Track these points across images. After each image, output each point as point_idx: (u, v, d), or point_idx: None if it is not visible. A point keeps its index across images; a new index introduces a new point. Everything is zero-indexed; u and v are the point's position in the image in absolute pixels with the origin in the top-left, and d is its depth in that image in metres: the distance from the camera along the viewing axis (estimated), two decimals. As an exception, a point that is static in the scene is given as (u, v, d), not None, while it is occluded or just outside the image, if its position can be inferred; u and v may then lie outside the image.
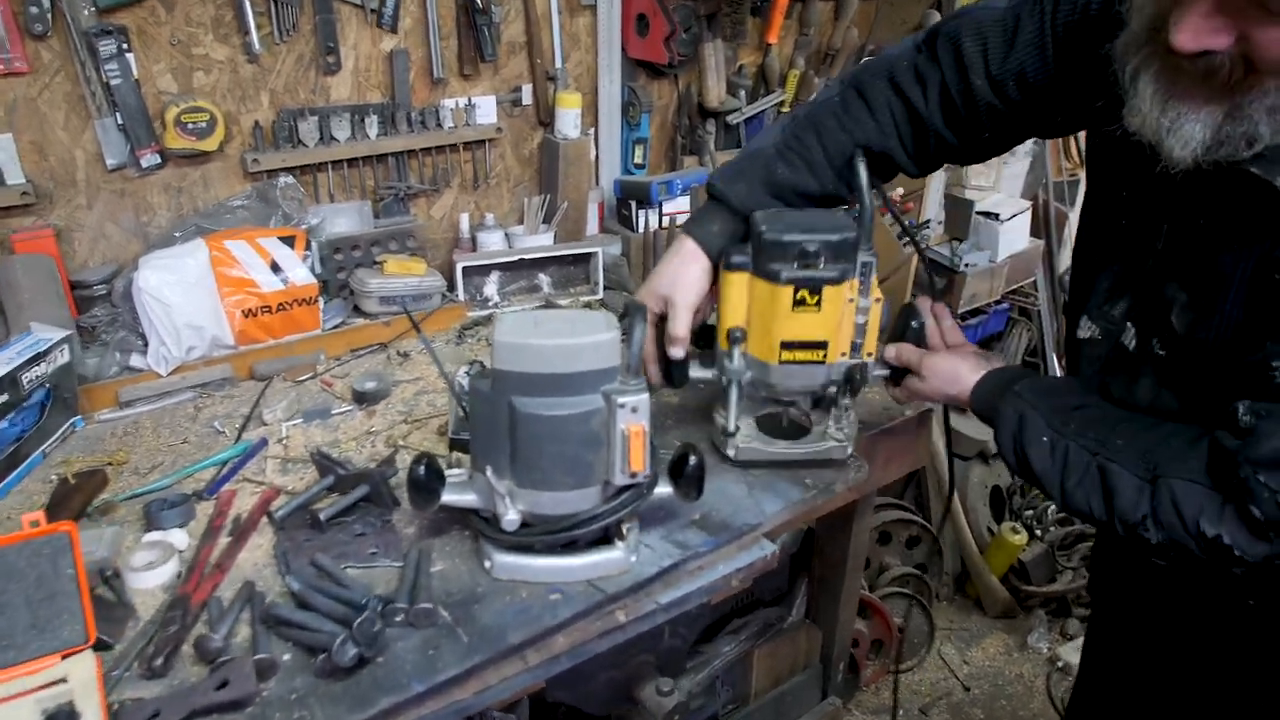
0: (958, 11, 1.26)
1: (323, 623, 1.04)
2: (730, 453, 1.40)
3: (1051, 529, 3.27)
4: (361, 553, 1.20)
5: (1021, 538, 3.10)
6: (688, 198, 2.23)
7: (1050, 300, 3.54)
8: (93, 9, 1.61)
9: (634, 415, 1.10)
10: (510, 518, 1.12)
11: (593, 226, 2.35)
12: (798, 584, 2.19)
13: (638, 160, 2.38)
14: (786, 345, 1.31)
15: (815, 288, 1.27)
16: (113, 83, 1.65)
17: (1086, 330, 1.18)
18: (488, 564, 1.17)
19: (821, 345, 1.32)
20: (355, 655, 0.98)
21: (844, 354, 1.34)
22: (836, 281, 1.27)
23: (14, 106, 1.61)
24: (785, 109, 2.58)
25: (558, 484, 1.12)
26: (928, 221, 2.78)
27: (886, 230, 2.75)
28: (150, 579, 1.13)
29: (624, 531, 1.19)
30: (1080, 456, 1.05)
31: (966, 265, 2.82)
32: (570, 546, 1.17)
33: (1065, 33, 1.12)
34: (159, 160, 1.75)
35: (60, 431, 1.48)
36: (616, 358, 1.12)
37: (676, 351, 1.32)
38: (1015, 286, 3.34)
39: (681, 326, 1.31)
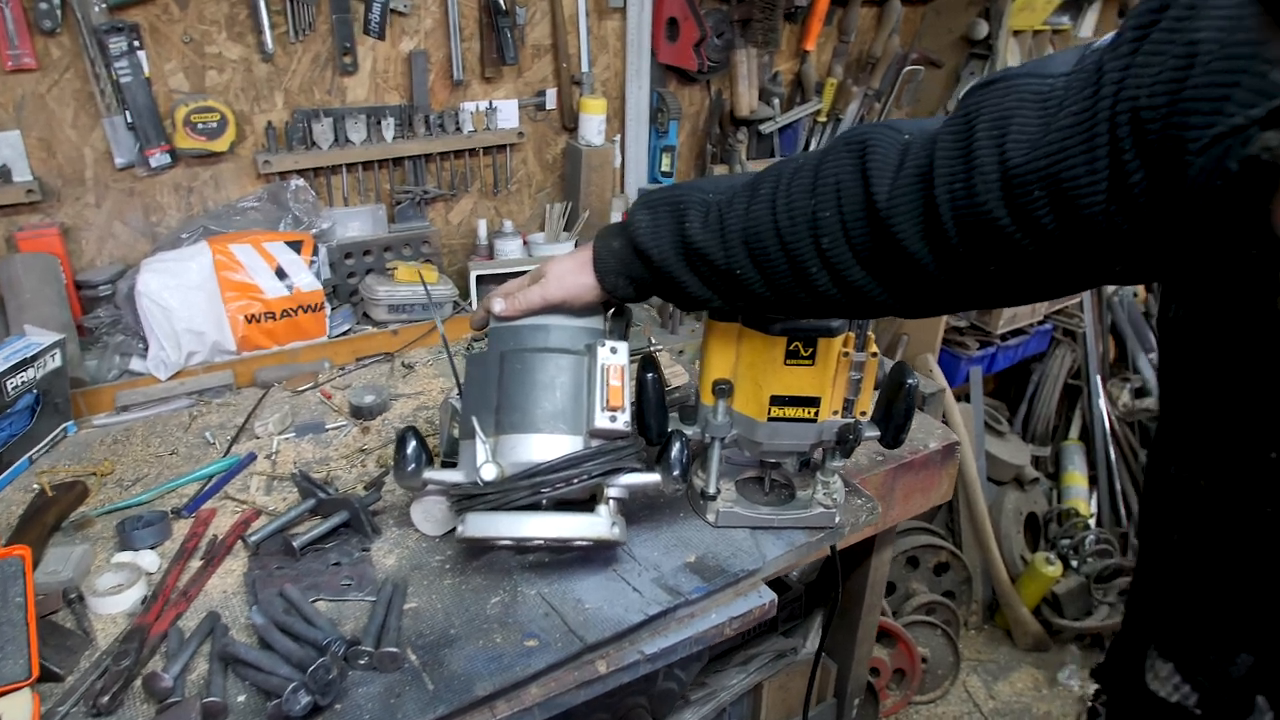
0: (999, 75, 0.76)
1: (279, 665, 0.98)
2: (710, 518, 1.31)
3: (1089, 560, 3.13)
4: (334, 584, 1.15)
5: (1055, 569, 2.98)
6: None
7: (1096, 321, 3.39)
8: (103, 6, 1.58)
9: (614, 355, 1.13)
10: (488, 466, 1.08)
11: (615, 236, 2.28)
12: (814, 615, 2.11)
13: (665, 168, 2.31)
14: (776, 400, 1.23)
15: (810, 340, 1.20)
16: (123, 80, 1.62)
17: (1168, 686, 0.77)
18: (460, 529, 1.10)
19: (814, 402, 1.23)
20: (308, 704, 0.93)
21: (836, 412, 1.25)
22: (832, 334, 1.19)
23: (22, 103, 1.59)
24: (821, 118, 2.49)
25: (540, 425, 1.11)
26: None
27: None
28: (114, 604, 1.09)
29: (606, 497, 1.14)
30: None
31: (1008, 284, 2.71)
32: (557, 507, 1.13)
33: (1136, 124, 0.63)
34: (169, 160, 1.73)
35: (50, 437, 1.46)
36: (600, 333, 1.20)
37: (496, 303, 1.17)
38: (1060, 306, 3.20)
39: (525, 299, 1.15)
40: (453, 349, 1.85)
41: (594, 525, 1.11)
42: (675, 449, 1.17)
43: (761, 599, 1.26)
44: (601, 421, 1.12)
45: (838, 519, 1.35)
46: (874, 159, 0.83)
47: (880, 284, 0.88)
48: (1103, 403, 3.38)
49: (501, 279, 2.03)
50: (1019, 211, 0.70)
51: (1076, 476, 3.36)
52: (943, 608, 2.97)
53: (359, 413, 1.57)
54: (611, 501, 1.15)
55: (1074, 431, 3.47)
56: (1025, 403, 3.42)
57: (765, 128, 2.38)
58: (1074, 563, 3.12)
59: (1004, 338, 2.99)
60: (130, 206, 1.75)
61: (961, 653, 2.94)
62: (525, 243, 2.14)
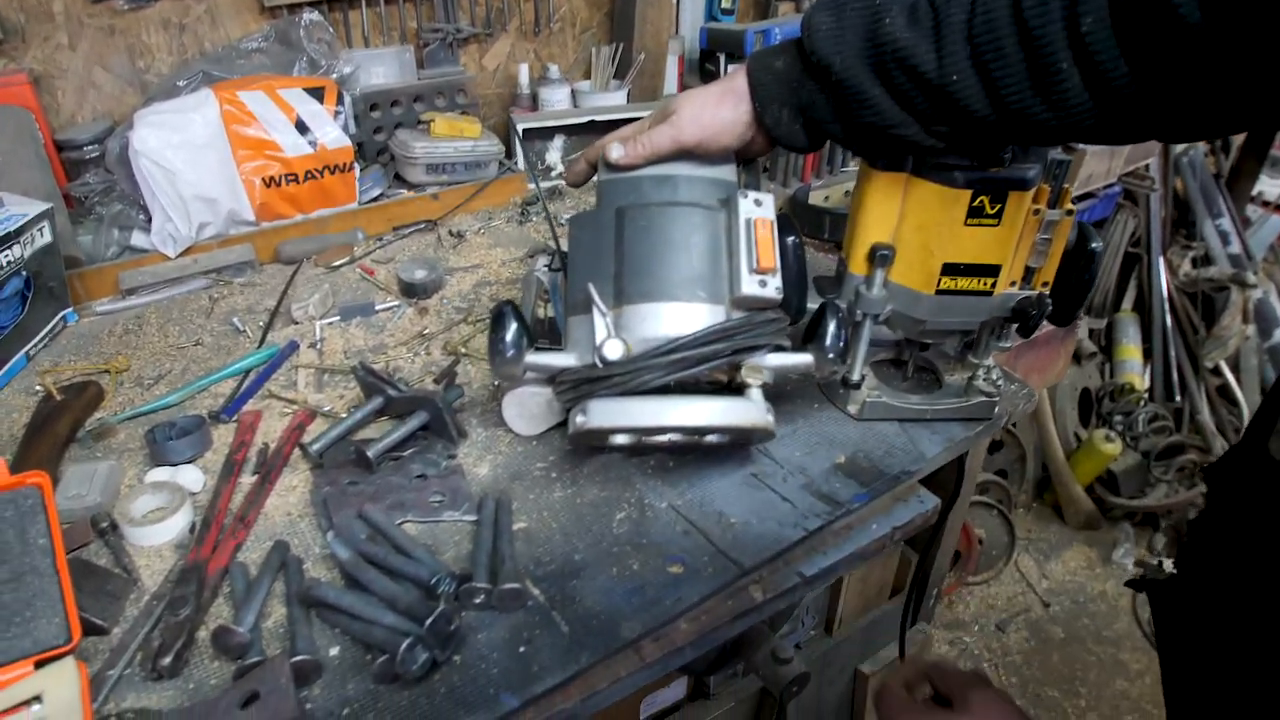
0: None
1: (380, 611, 0.78)
2: (852, 409, 1.10)
3: (1146, 437, 3.00)
4: (422, 502, 0.94)
5: (1114, 446, 2.84)
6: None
7: (1163, 183, 3.15)
8: None
9: (759, 208, 0.93)
10: (612, 343, 0.87)
11: (671, 84, 1.99)
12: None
13: (725, 4, 1.99)
14: (949, 269, 1.00)
15: (1000, 193, 0.95)
16: (89, -119, 1.30)
17: None
18: (580, 419, 0.88)
19: (993, 271, 1.00)
20: (427, 661, 0.74)
21: (1014, 283, 1.02)
22: (1026, 186, 0.95)
23: (-35, -90, 1.27)
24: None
25: (672, 292, 0.90)
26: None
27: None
28: (156, 534, 0.88)
29: (746, 381, 0.93)
30: None
31: (1089, 141, 2.44)
32: (687, 392, 0.93)
33: None
34: (154, -13, 1.41)
35: (49, 328, 1.21)
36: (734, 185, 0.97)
37: (613, 149, 0.95)
38: (1132, 168, 2.94)
39: (652, 141, 0.92)
40: (500, 214, 1.59)
41: (749, 412, 0.90)
42: (832, 326, 0.95)
43: (924, 505, 1.08)
44: (749, 287, 0.91)
45: (996, 407, 1.14)
46: None
47: (1145, 84, 0.70)
48: (1163, 272, 3.18)
49: (549, 133, 1.76)
50: None
51: (1131, 350, 3.19)
52: (996, 487, 2.85)
53: (411, 291, 1.32)
54: (760, 388, 0.93)
55: (1128, 303, 3.27)
56: (1084, 272, 3.20)
57: (839, -45, 2.04)
58: (1129, 439, 2.98)
59: (1073, 201, 2.74)
60: (112, 48, 1.45)
61: (1015, 533, 2.84)
62: (572, 92, 1.84)
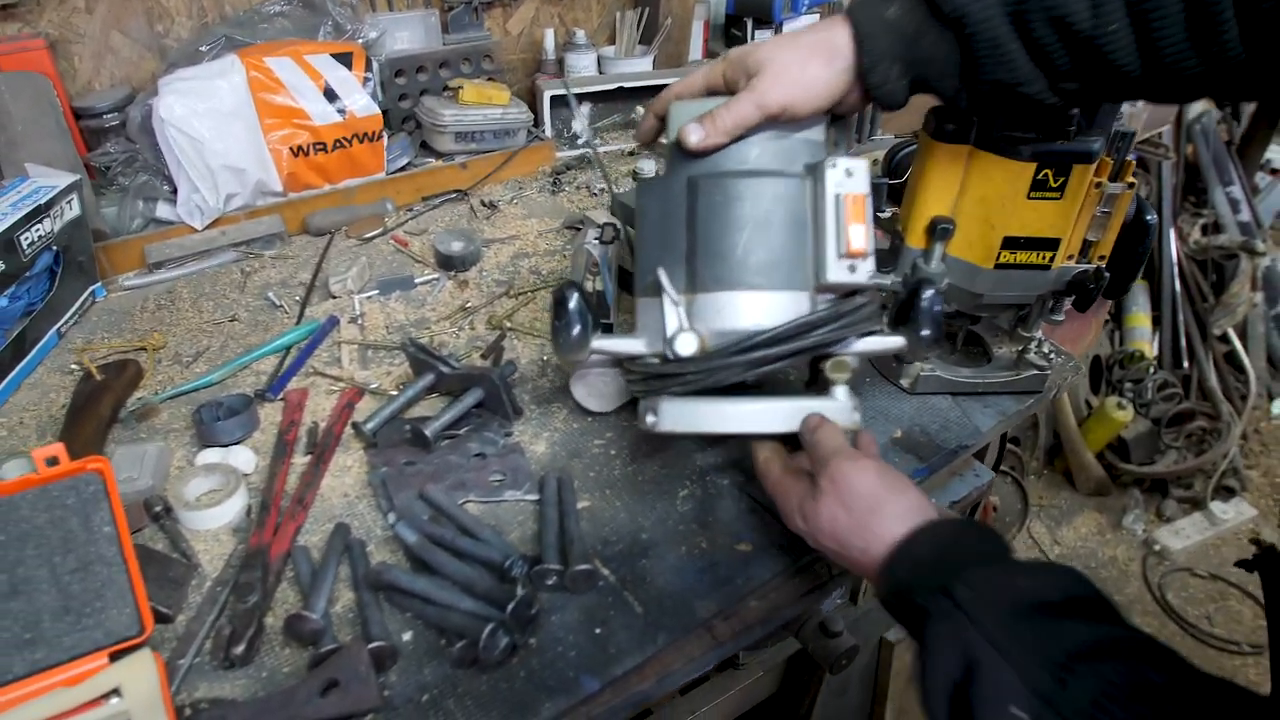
0: None
1: (456, 595, 0.77)
2: (905, 383, 1.09)
3: (1156, 404, 3.00)
4: (483, 481, 0.92)
5: (1127, 413, 2.84)
6: (817, 15, 1.82)
7: (1175, 151, 3.13)
8: None
9: (850, 180, 0.80)
10: (685, 337, 0.80)
11: (696, 50, 1.94)
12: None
13: (750, -34, 1.94)
14: (1009, 243, 0.97)
15: (1064, 166, 0.93)
16: None
17: None
18: (650, 419, 0.83)
19: (1052, 244, 0.98)
20: (508, 646, 0.72)
21: (1071, 256, 1.00)
22: (1090, 159, 0.93)
23: None
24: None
25: (750, 280, 0.81)
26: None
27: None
28: (213, 517, 0.86)
29: (841, 377, 0.85)
30: None
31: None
32: (767, 391, 0.87)
33: None
34: (172, -52, 1.36)
35: (79, 304, 1.18)
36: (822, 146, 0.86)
37: (691, 132, 0.82)
38: (1148, 135, 2.92)
39: (734, 116, 0.80)
40: (531, 183, 1.56)
41: (836, 415, 0.83)
42: (926, 300, 0.84)
43: (980, 479, 1.07)
44: (837, 273, 0.81)
45: (1047, 382, 1.13)
46: None
47: None
48: (1173, 240, 3.16)
49: (576, 99, 1.72)
50: None
51: (1140, 317, 3.19)
52: (1009, 454, 2.85)
53: (449, 263, 1.29)
54: (845, 384, 0.86)
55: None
56: (1096, 239, 3.19)
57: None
58: (1139, 406, 2.99)
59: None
60: (129, 12, 1.40)
61: (1029, 499, 2.86)
62: (599, 58, 1.80)
